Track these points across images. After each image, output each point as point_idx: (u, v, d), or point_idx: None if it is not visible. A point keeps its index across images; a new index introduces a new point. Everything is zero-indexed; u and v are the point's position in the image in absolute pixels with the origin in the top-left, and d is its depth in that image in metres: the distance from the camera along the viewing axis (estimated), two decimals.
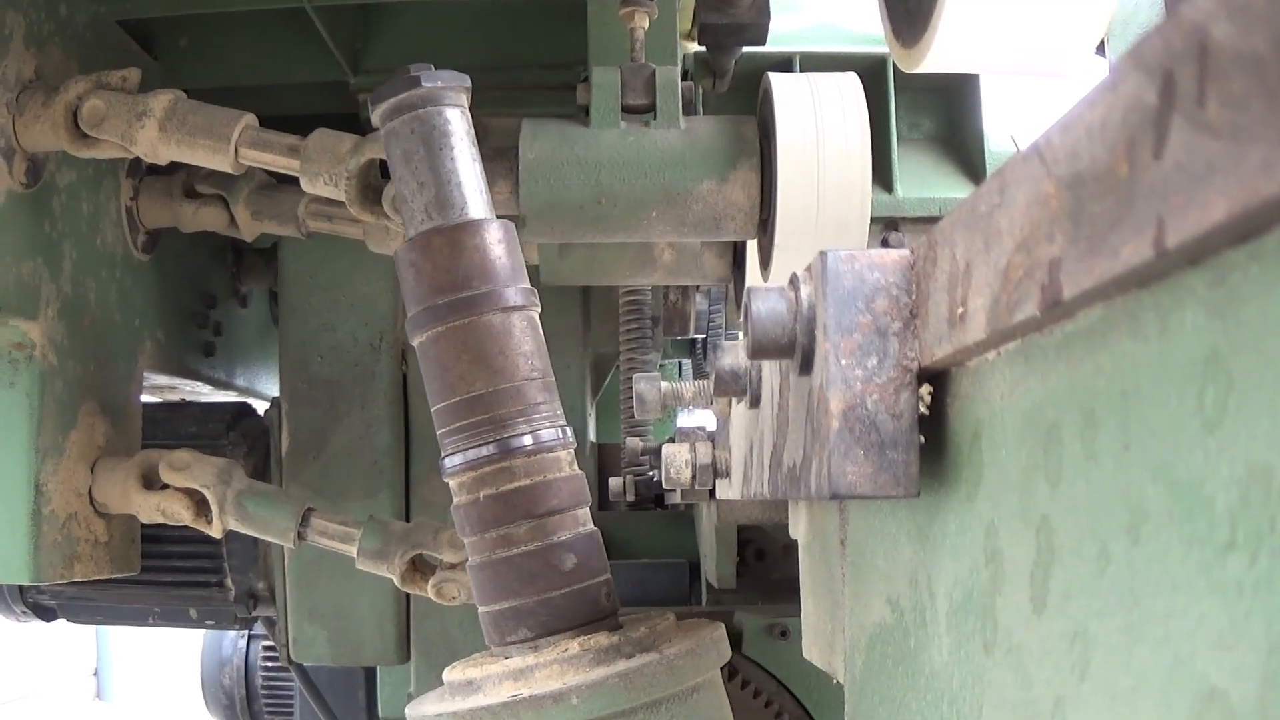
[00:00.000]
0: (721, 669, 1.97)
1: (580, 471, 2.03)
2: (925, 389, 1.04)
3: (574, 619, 1.92)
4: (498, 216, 2.05)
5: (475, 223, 2.00)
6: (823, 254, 1.05)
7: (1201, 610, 0.60)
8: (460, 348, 1.94)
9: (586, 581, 1.95)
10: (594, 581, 1.96)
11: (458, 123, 2.07)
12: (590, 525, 2.00)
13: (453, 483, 1.99)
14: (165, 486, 2.75)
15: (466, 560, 2.00)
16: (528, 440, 1.94)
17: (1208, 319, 0.61)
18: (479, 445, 1.94)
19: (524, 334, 1.98)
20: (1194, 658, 0.61)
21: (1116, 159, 0.65)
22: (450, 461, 1.97)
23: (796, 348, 1.12)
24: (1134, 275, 0.65)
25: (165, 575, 3.73)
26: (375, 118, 2.10)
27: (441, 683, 1.95)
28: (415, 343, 2.00)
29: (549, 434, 1.97)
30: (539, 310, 2.04)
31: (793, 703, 3.14)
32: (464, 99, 2.10)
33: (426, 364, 1.99)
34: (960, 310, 0.92)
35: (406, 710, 1.96)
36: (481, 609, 1.98)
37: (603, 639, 1.86)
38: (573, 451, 2.03)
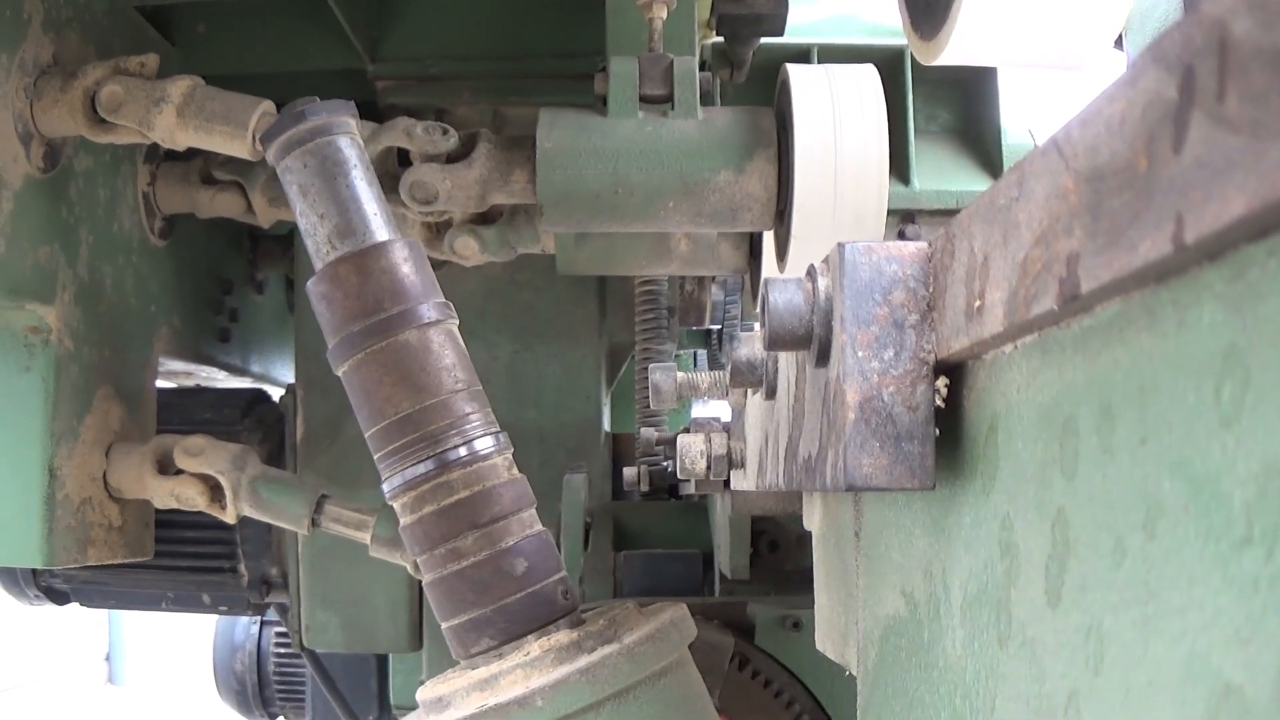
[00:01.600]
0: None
1: (520, 475, 2.03)
2: (942, 381, 1.04)
3: (534, 621, 1.93)
4: (519, 205, 2.05)
5: (380, 245, 2.00)
6: (840, 246, 1.05)
7: (1217, 605, 0.60)
8: (382, 371, 1.95)
9: (541, 582, 1.95)
10: (549, 581, 1.96)
11: (349, 149, 2.07)
12: (538, 526, 2.01)
13: (396, 505, 1.99)
14: (180, 472, 2.76)
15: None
16: (463, 451, 1.95)
17: (1226, 314, 0.61)
18: (414, 464, 1.95)
19: (443, 348, 1.98)
20: (1209, 653, 0.61)
21: (1136, 154, 0.65)
22: (390, 485, 1.98)
23: (813, 339, 1.12)
24: (1152, 270, 0.65)
25: (179, 560, 3.74)
26: (269, 158, 2.09)
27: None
28: (339, 373, 2.00)
29: (483, 443, 1.97)
30: (456, 322, 2.04)
31: (805, 694, 3.14)
32: (353, 125, 2.10)
33: (353, 392, 1.99)
34: (978, 303, 0.92)
35: None
36: (444, 625, 1.98)
37: (563, 637, 1.87)
38: (510, 456, 2.03)
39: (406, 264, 1.99)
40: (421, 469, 1.94)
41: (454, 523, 1.94)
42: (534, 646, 1.87)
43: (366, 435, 2.00)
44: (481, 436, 1.97)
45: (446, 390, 1.95)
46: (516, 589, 1.93)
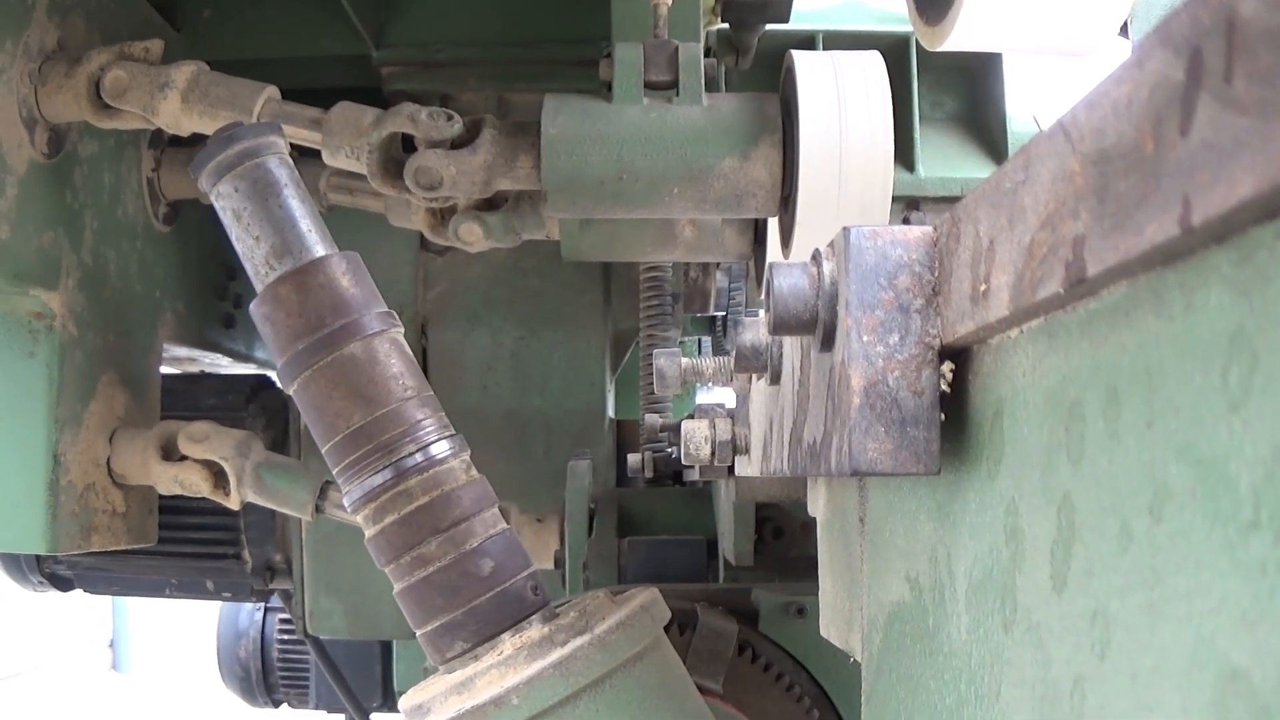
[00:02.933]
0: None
1: (479, 476, 2.03)
2: (947, 366, 1.03)
3: (506, 619, 1.93)
4: (524, 191, 2.04)
5: (317, 261, 1.99)
6: (846, 230, 1.05)
7: (1224, 589, 0.60)
8: (330, 386, 1.94)
9: (509, 581, 1.95)
10: (517, 579, 1.96)
11: (279, 169, 2.05)
12: (501, 525, 2.01)
13: (359, 517, 2.00)
14: (184, 458, 2.76)
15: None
16: (419, 458, 1.95)
17: (1233, 297, 0.60)
18: (371, 474, 1.94)
19: (389, 357, 1.98)
20: (1216, 637, 0.61)
21: (1143, 136, 0.65)
22: (350, 497, 1.98)
23: (818, 324, 1.11)
24: (1159, 253, 0.65)
25: (182, 547, 3.74)
26: (201, 185, 2.09)
27: None
28: (291, 393, 2.00)
29: (438, 447, 1.97)
30: (401, 330, 2.04)
31: (809, 681, 3.14)
32: (281, 145, 2.08)
33: (305, 410, 1.99)
34: (983, 287, 0.92)
35: None
36: (418, 633, 1.99)
37: (535, 632, 1.88)
38: (467, 457, 2.03)
39: (345, 277, 1.99)
40: (379, 479, 1.94)
41: (416, 530, 1.94)
42: (507, 645, 1.87)
43: (323, 451, 1.99)
44: (436, 441, 1.97)
45: (396, 399, 1.95)
46: (485, 589, 1.93)
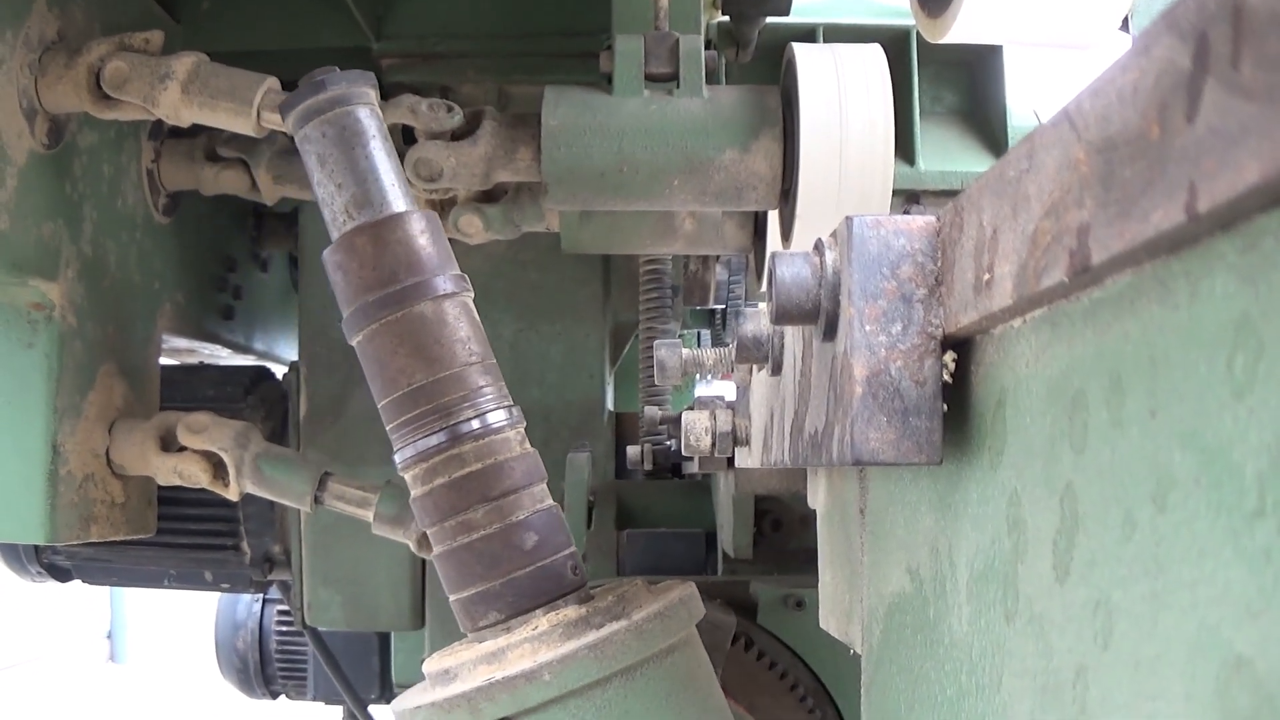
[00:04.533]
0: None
1: (532, 450, 2.03)
2: (949, 356, 1.03)
3: (542, 595, 1.93)
4: (523, 183, 2.04)
5: (397, 216, 1.99)
6: (848, 219, 1.05)
7: (1228, 578, 0.60)
8: (396, 342, 1.94)
9: (550, 557, 1.95)
10: (558, 556, 1.96)
11: (368, 120, 2.07)
12: (549, 501, 2.01)
13: (408, 476, 1.99)
14: (183, 449, 2.76)
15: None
16: (475, 424, 1.95)
17: (1238, 285, 0.60)
18: (427, 435, 1.94)
19: (458, 320, 1.98)
20: (1220, 626, 0.60)
21: (1148, 123, 0.65)
22: (401, 455, 1.98)
23: (820, 313, 1.11)
24: (1164, 240, 0.65)
25: (181, 538, 3.74)
26: (288, 127, 2.09)
27: None
28: (353, 343, 2.00)
29: (496, 416, 1.97)
30: (472, 295, 2.04)
31: (807, 674, 3.14)
32: (372, 96, 2.10)
33: (366, 363, 1.99)
34: (986, 277, 0.92)
35: (392, 705, 1.97)
36: (452, 598, 1.98)
37: (571, 612, 1.87)
38: (522, 430, 2.03)
39: (423, 235, 2.00)
40: (434, 440, 1.94)
41: (465, 495, 1.93)
42: (542, 621, 1.87)
43: (379, 406, 1.99)
44: (494, 410, 1.97)
45: (460, 363, 1.95)
46: (526, 563, 1.93)
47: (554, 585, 1.94)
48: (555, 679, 1.76)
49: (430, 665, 1.93)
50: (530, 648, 1.82)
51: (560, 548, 1.97)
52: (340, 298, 2.00)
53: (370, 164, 2.03)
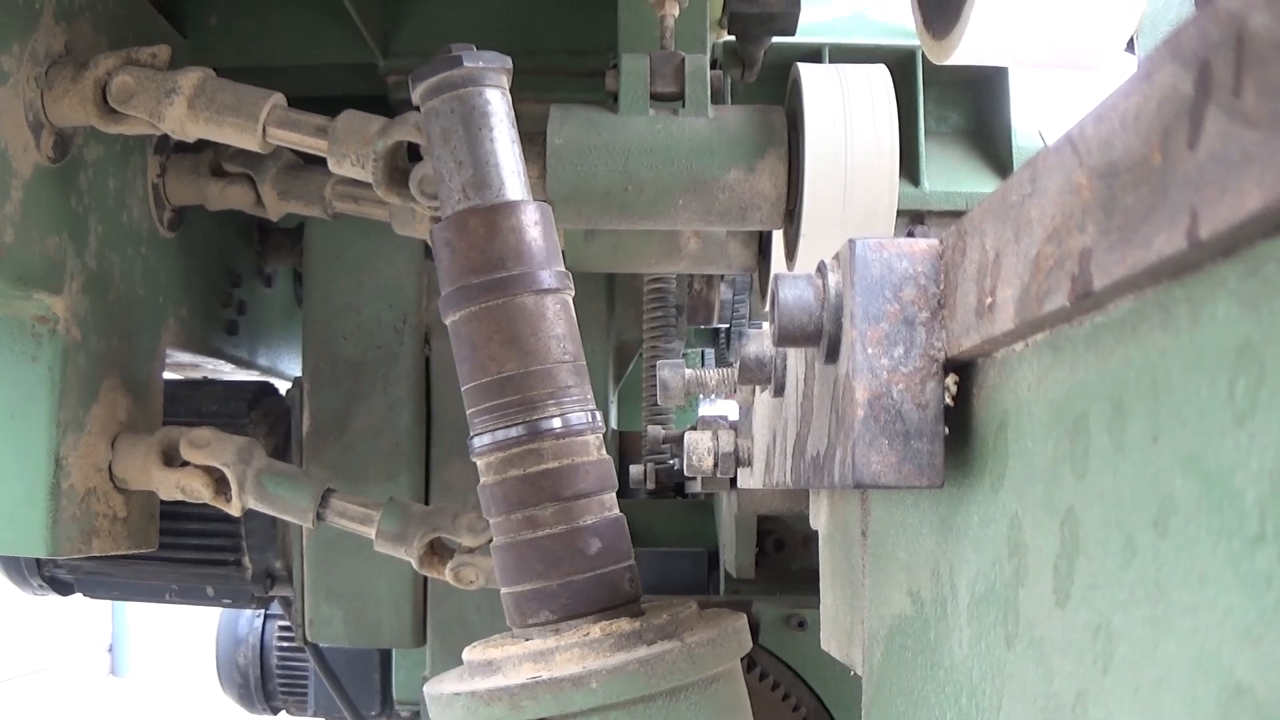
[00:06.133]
0: (741, 660, 1.96)
1: (607, 456, 2.02)
2: (951, 379, 1.03)
3: (596, 603, 1.92)
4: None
5: (512, 204, 1.99)
6: (851, 242, 1.05)
7: (1229, 603, 0.60)
8: (492, 328, 1.93)
9: (610, 566, 1.94)
10: (618, 567, 1.95)
11: (498, 103, 2.07)
12: (616, 511, 1.99)
13: (480, 463, 1.98)
14: (185, 464, 2.76)
15: (485, 544, 2.00)
16: (557, 423, 1.94)
17: (1240, 310, 0.60)
18: (508, 426, 1.93)
19: (557, 317, 1.97)
20: (1220, 651, 0.60)
21: (1150, 149, 0.65)
22: (479, 441, 1.97)
23: (823, 335, 1.11)
24: (1166, 266, 0.65)
25: (183, 553, 3.74)
26: (415, 96, 2.09)
27: (459, 665, 1.95)
28: (448, 321, 1.99)
29: (578, 418, 1.96)
30: (573, 294, 2.03)
31: (809, 694, 3.14)
32: (505, 80, 2.10)
33: (458, 344, 1.98)
34: (989, 300, 0.92)
35: (425, 688, 1.95)
36: (504, 590, 1.97)
37: (624, 624, 1.85)
38: (601, 436, 2.02)
39: (535, 227, 1.99)
40: (514, 432, 1.93)
41: (536, 491, 1.92)
42: (594, 629, 1.85)
43: (464, 389, 1.98)
44: (577, 411, 1.95)
45: (553, 359, 1.94)
46: (586, 568, 1.92)
47: (609, 594, 1.93)
48: (602, 688, 1.75)
49: (471, 654, 1.92)
50: (579, 653, 1.81)
51: (621, 558, 1.96)
52: (442, 274, 1.99)
53: (493, 147, 2.02)
